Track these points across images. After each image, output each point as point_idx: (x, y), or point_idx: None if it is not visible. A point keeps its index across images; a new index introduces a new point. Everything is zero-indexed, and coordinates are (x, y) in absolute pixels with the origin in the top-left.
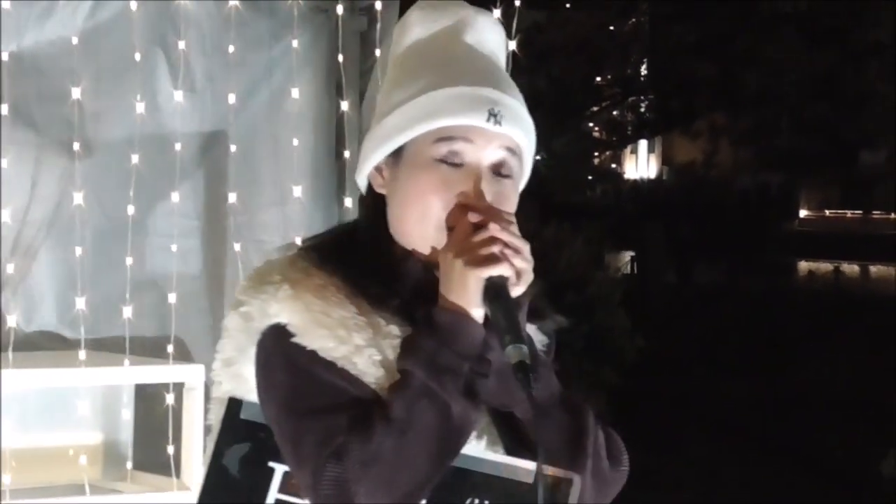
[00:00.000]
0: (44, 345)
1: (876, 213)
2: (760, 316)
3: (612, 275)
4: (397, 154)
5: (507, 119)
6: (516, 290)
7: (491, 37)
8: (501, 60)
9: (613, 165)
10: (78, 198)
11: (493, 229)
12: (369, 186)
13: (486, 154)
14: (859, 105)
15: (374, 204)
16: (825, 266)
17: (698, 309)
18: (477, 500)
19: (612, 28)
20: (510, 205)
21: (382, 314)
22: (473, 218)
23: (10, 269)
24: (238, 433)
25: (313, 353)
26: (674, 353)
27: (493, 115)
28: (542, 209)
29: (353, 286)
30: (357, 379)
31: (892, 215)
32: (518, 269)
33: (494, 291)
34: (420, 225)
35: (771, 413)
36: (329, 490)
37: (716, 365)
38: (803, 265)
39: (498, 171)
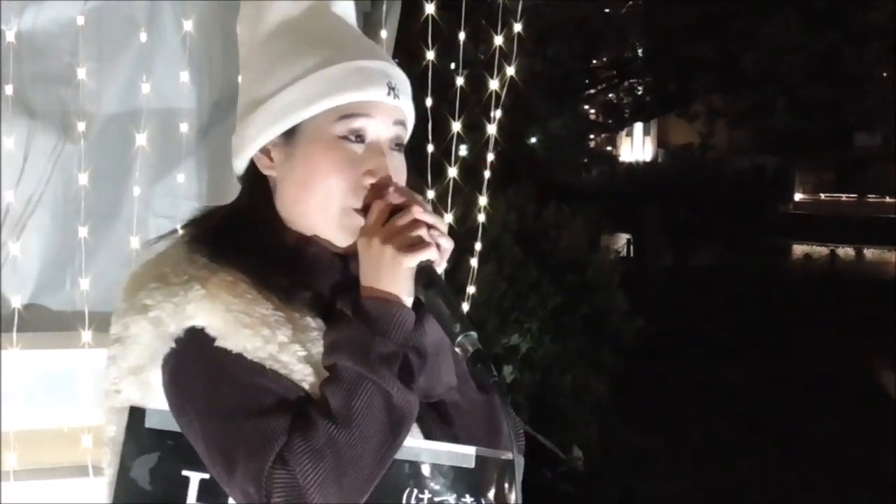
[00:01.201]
0: (41, 325)
1: (871, 197)
2: (756, 298)
3: (609, 257)
4: (290, 134)
5: (401, 92)
6: (440, 269)
7: (348, 11)
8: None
9: (609, 148)
10: (83, 178)
11: (417, 211)
12: (253, 169)
13: (385, 129)
14: (856, 88)
15: (259, 187)
16: (820, 249)
17: (694, 291)
18: (418, 491)
19: (608, 10)
20: (404, 174)
21: (294, 307)
22: (395, 199)
23: (14, 249)
24: (143, 443)
25: (239, 356)
26: (670, 335)
27: (391, 89)
28: (538, 191)
29: (258, 280)
30: (286, 378)
31: (888, 199)
32: (443, 250)
33: (427, 277)
34: (324, 206)
35: (767, 395)
36: (281, 496)
37: (712, 347)
38: (798, 248)
39: (394, 144)
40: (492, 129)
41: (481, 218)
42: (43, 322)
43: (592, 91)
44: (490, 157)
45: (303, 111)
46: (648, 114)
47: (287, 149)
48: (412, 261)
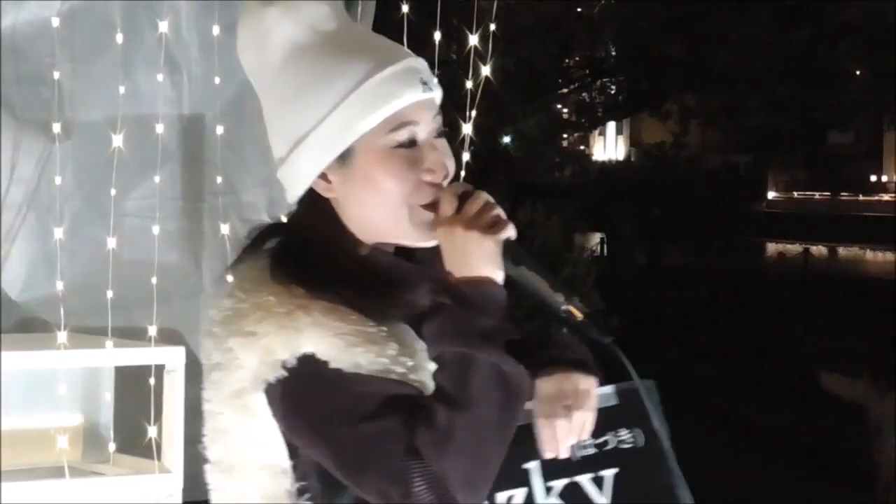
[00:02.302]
0: (22, 327)
1: (844, 195)
2: (729, 297)
3: (584, 256)
4: (344, 156)
5: (430, 80)
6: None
7: (344, 12)
8: None
9: (582, 147)
10: (57, 180)
11: (484, 195)
12: (312, 194)
13: (428, 125)
14: (829, 86)
15: (324, 210)
16: (794, 247)
17: (668, 290)
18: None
19: (580, 10)
20: (453, 160)
21: (392, 321)
22: (458, 188)
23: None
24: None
25: (354, 373)
26: (643, 333)
27: (424, 84)
28: (512, 190)
29: (355, 307)
30: (400, 381)
31: (861, 197)
32: (513, 227)
33: (514, 253)
34: (395, 214)
35: (741, 393)
36: (422, 485)
37: (685, 345)
38: (772, 246)
39: (437, 133)
40: (467, 129)
41: None
42: (28, 323)
43: (565, 90)
44: (466, 156)
45: (352, 132)
46: (621, 113)
47: (344, 170)
48: (498, 239)
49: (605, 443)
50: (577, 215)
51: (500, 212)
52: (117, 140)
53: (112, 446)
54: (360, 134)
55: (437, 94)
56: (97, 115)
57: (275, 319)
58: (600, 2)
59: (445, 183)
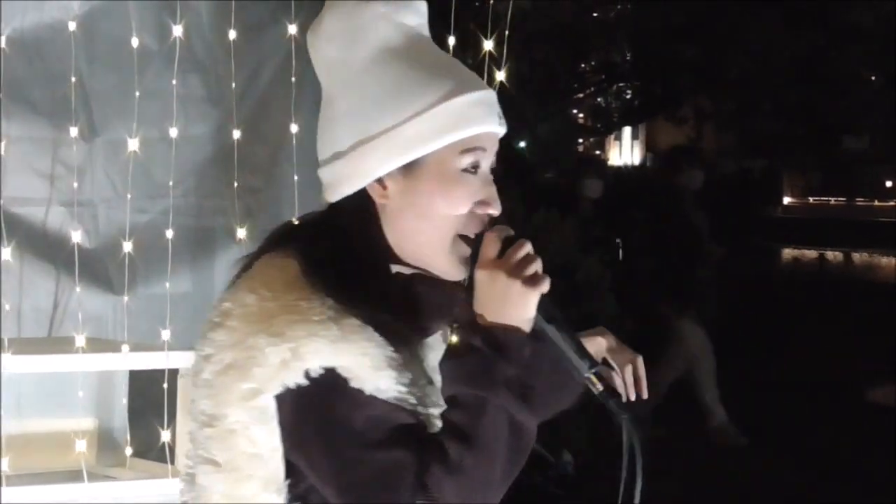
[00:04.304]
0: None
1: (859, 200)
2: (744, 302)
3: (599, 260)
4: (410, 166)
5: (502, 116)
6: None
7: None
8: None
9: (597, 152)
10: (81, 180)
11: (528, 244)
12: (363, 195)
13: (491, 160)
14: (843, 90)
15: (371, 216)
16: (809, 252)
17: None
18: None
19: (596, 14)
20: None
21: (413, 349)
22: (503, 233)
23: (6, 253)
24: None
25: (372, 396)
26: (657, 337)
27: (500, 118)
28: (527, 195)
29: (379, 328)
30: (412, 412)
31: (876, 202)
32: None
33: (548, 310)
34: (440, 237)
35: (757, 396)
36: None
37: None
38: (787, 252)
39: (492, 169)
40: None
41: None
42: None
43: (581, 95)
44: None
45: (428, 145)
46: (637, 117)
47: (406, 181)
48: (537, 294)
49: None
50: (592, 220)
51: (539, 265)
52: (133, 144)
53: (127, 450)
54: (436, 147)
55: (503, 131)
56: (124, 116)
57: (308, 326)
58: (616, 6)
59: (526, 241)
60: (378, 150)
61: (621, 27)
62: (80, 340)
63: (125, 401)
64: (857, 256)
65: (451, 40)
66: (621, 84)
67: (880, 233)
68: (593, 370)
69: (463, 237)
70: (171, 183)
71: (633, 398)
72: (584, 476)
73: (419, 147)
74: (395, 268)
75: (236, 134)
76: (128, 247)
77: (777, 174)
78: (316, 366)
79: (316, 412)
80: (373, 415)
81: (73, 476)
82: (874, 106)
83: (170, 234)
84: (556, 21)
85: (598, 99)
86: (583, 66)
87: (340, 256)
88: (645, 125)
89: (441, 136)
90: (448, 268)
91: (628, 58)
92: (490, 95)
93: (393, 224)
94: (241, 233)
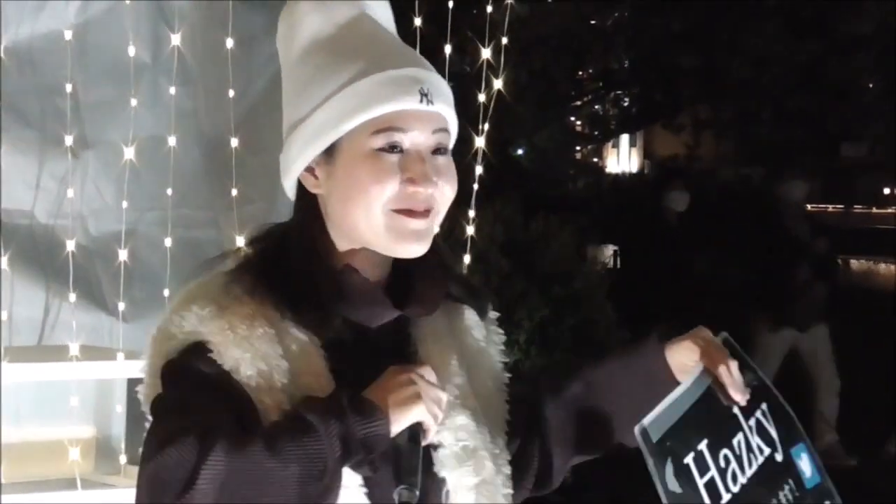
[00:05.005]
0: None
1: (857, 207)
2: (743, 309)
3: (596, 268)
4: (330, 151)
5: (435, 96)
6: (424, 441)
7: (387, 16)
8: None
9: (596, 159)
10: (72, 192)
11: (444, 396)
12: (301, 189)
13: (423, 137)
14: (842, 98)
15: (308, 207)
16: None
17: (681, 302)
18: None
19: (594, 22)
20: (453, 177)
21: (313, 338)
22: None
23: (3, 262)
24: (661, 458)
25: (227, 373)
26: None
27: (423, 95)
28: (525, 202)
29: (289, 307)
30: (255, 409)
31: (874, 209)
32: (435, 426)
33: (413, 433)
34: (368, 216)
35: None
36: (174, 458)
37: None
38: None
39: (436, 150)
40: (480, 142)
41: (470, 230)
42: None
43: (578, 102)
44: (479, 169)
45: (336, 129)
46: (635, 125)
47: (328, 167)
48: (419, 415)
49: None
50: (590, 227)
51: (438, 411)
52: (129, 153)
53: (123, 458)
54: (343, 131)
55: (441, 110)
56: (116, 126)
57: (185, 307)
58: (614, 14)
59: (438, 198)
60: (298, 138)
61: (619, 34)
62: (74, 349)
63: (122, 409)
64: (856, 263)
65: (448, 48)
66: (619, 91)
67: (878, 240)
68: (409, 489)
69: (398, 211)
70: (169, 192)
71: (740, 401)
72: (581, 483)
73: (328, 132)
74: (341, 263)
75: (234, 142)
76: (123, 255)
77: (776, 182)
78: (182, 340)
79: (167, 379)
80: (207, 384)
81: (71, 484)
82: (873, 114)
83: (168, 242)
84: (553, 28)
85: (596, 106)
86: (580, 73)
87: (271, 244)
88: (643, 132)
89: (346, 120)
90: (388, 245)
91: (626, 65)
92: (409, 73)
93: (329, 212)
94: (240, 241)
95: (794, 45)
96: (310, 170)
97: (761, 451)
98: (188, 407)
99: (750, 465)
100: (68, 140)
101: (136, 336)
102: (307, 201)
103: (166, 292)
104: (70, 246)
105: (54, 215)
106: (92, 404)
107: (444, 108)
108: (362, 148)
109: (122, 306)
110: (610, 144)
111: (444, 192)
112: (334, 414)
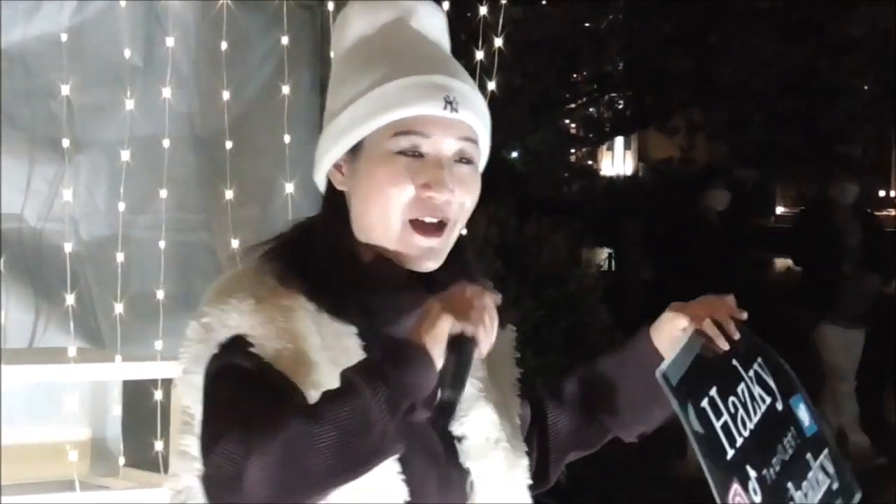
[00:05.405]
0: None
1: None
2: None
3: (590, 271)
4: (355, 150)
5: (462, 105)
6: (476, 354)
7: (435, 23)
8: (447, 46)
9: (590, 162)
10: (67, 194)
11: (487, 300)
12: (329, 184)
13: (445, 145)
14: (835, 100)
15: (335, 201)
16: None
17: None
18: None
19: (587, 25)
20: (473, 188)
21: (349, 327)
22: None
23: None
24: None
25: (269, 365)
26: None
27: (448, 103)
28: (518, 205)
29: (318, 301)
30: (302, 393)
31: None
32: (489, 343)
33: (459, 346)
34: (384, 219)
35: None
36: (224, 453)
37: None
38: (779, 262)
39: (458, 158)
40: None
41: (463, 232)
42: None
43: (573, 105)
44: None
45: (360, 129)
46: (629, 128)
47: (353, 164)
48: (453, 325)
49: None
50: (584, 230)
51: (479, 314)
52: (125, 155)
53: (120, 460)
54: (366, 131)
55: (468, 119)
56: (109, 129)
57: (224, 301)
58: (608, 17)
59: (454, 207)
60: (328, 134)
61: (613, 37)
62: (72, 350)
63: (119, 411)
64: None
65: None
66: (613, 94)
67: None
68: (451, 389)
69: (418, 231)
70: (163, 195)
71: (725, 347)
72: (575, 484)
73: (353, 131)
74: (367, 254)
75: (228, 145)
76: (120, 257)
77: (770, 184)
78: (224, 336)
79: (209, 370)
80: (252, 370)
81: (67, 486)
82: (866, 116)
83: (162, 244)
84: (547, 31)
85: (590, 109)
86: (574, 76)
87: (296, 239)
88: (637, 135)
89: (369, 120)
90: (400, 256)
91: (620, 68)
92: (435, 80)
93: (352, 208)
94: (235, 243)
95: (787, 47)
96: (337, 166)
97: (763, 399)
98: (234, 405)
99: (755, 412)
100: (64, 143)
101: (130, 339)
102: (333, 197)
103: (160, 294)
104: (67, 248)
105: (44, 218)
106: (88, 406)
107: (472, 119)
108: (383, 149)
109: (119, 308)
110: (604, 147)
111: (461, 202)
112: (367, 366)
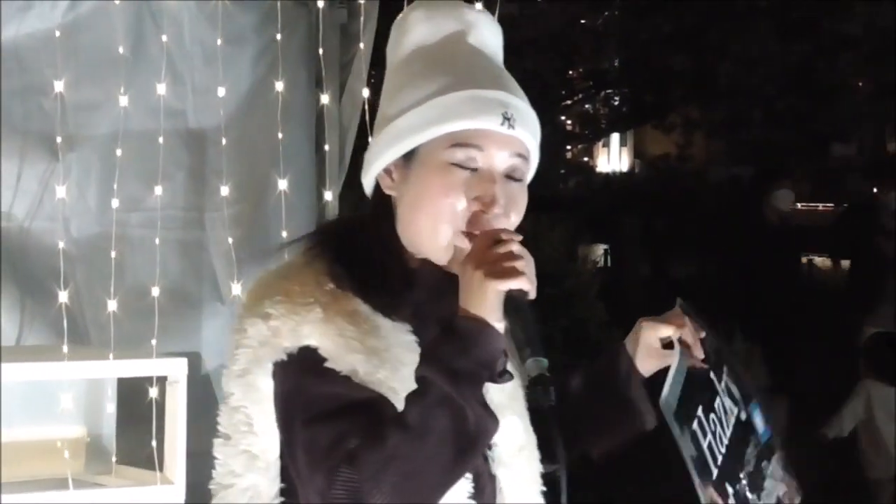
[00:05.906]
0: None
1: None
2: (733, 308)
3: (587, 268)
4: (409, 156)
5: (518, 122)
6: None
7: (492, 37)
8: (501, 59)
9: (585, 159)
10: (61, 191)
11: (514, 244)
12: (377, 187)
13: (499, 159)
14: (832, 98)
15: (382, 205)
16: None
17: (672, 301)
18: None
19: (584, 21)
20: (521, 205)
21: (406, 326)
22: (499, 233)
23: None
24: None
25: (347, 378)
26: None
27: (506, 119)
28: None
29: (373, 305)
30: (386, 399)
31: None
32: (534, 284)
33: (514, 305)
34: (432, 228)
35: None
36: (342, 493)
37: None
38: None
39: (510, 175)
40: None
41: None
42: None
43: (569, 102)
44: None
45: (417, 136)
46: (625, 125)
47: (405, 170)
48: (499, 287)
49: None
50: (581, 227)
51: (519, 264)
52: (119, 152)
53: (114, 458)
54: (422, 139)
55: (522, 136)
56: (100, 126)
57: (291, 306)
58: (604, 14)
59: (501, 222)
60: (382, 139)
61: (609, 35)
62: (66, 348)
63: (113, 409)
64: (846, 263)
65: None
66: (609, 91)
67: None
68: (534, 358)
69: (467, 234)
70: (158, 192)
71: (700, 358)
72: (575, 484)
73: (409, 138)
74: (415, 259)
75: (223, 142)
76: (113, 254)
77: (766, 182)
78: (293, 344)
79: (285, 386)
80: (333, 391)
81: (61, 484)
82: (862, 114)
83: (157, 241)
84: (543, 28)
85: (587, 106)
86: (571, 73)
87: (346, 243)
88: (633, 132)
89: (427, 129)
90: (444, 257)
91: (616, 65)
92: (495, 96)
93: (399, 214)
94: (230, 240)
95: (784, 45)
96: (388, 171)
97: (732, 411)
98: (330, 422)
99: (728, 426)
100: (58, 140)
101: (122, 337)
102: (382, 201)
103: (155, 291)
104: (60, 245)
105: (32, 216)
106: (82, 404)
107: (526, 136)
108: (438, 159)
109: (112, 305)
110: (600, 144)
111: (509, 219)
112: (438, 357)
